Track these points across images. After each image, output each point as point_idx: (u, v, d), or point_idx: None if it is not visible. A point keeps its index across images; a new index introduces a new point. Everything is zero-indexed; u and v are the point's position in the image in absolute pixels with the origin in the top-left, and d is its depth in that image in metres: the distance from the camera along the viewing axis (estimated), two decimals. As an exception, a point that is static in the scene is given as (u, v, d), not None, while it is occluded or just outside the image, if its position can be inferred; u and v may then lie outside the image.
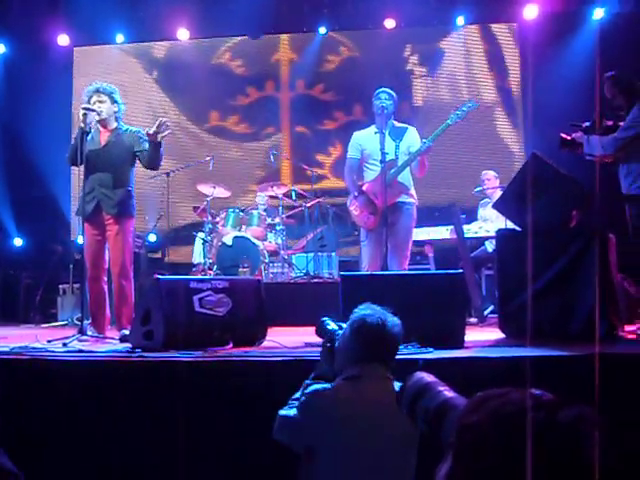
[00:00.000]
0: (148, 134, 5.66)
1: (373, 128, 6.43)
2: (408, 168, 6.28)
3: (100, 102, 5.84)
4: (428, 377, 2.04)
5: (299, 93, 11.41)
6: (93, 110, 5.78)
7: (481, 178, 8.35)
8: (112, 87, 5.99)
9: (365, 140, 6.45)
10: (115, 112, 5.91)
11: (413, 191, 6.39)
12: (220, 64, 11.43)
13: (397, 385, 2.85)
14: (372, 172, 6.34)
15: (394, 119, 6.45)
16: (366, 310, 2.93)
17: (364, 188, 6.34)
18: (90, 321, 5.85)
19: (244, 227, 8.54)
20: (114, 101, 5.91)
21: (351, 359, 2.87)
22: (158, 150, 5.73)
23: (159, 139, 5.65)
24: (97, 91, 5.85)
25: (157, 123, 5.61)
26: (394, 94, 6.42)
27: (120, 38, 10.69)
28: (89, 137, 5.83)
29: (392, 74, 10.47)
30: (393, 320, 2.90)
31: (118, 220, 5.79)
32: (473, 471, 1.17)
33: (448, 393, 1.90)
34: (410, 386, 2.03)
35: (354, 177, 6.51)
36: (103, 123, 5.90)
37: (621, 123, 5.50)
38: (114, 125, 5.93)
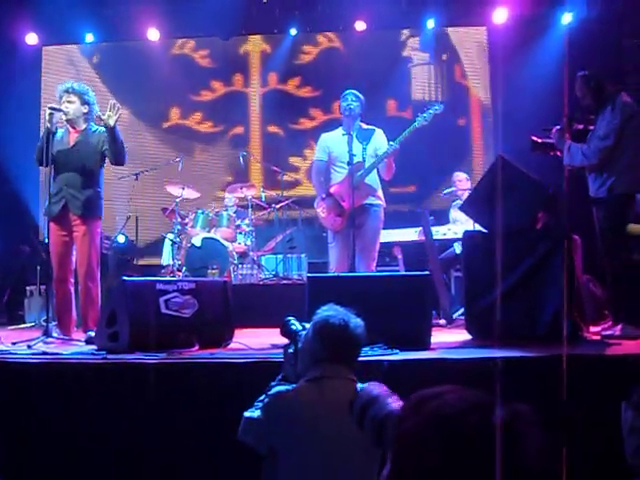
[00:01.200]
0: (100, 118, 5.64)
1: (341, 130, 6.45)
2: (375, 170, 6.29)
3: (69, 102, 5.79)
4: (379, 388, 2.08)
5: (271, 88, 10.79)
6: (59, 110, 5.74)
7: (452, 179, 8.38)
8: (84, 87, 5.93)
9: (332, 142, 6.46)
10: (85, 113, 5.84)
11: (380, 193, 6.41)
12: (182, 55, 10.88)
13: (360, 387, 2.85)
14: (339, 174, 6.35)
15: (361, 120, 6.46)
16: (329, 311, 2.93)
17: (331, 190, 6.34)
18: (56, 322, 5.79)
19: (213, 228, 8.51)
20: (84, 102, 5.83)
21: (314, 360, 2.87)
22: (114, 136, 5.65)
23: (112, 123, 5.58)
24: (67, 91, 5.81)
25: (109, 106, 5.59)
26: (361, 95, 6.43)
27: (90, 38, 10.56)
28: (58, 137, 5.79)
29: (384, 64, 10.19)
30: (356, 321, 2.91)
31: (85, 221, 5.74)
32: (412, 473, 1.18)
33: (396, 405, 1.93)
34: (361, 396, 2.08)
35: (322, 179, 6.52)
36: (72, 123, 5.86)
37: (591, 127, 5.55)
38: (83, 126, 5.87)
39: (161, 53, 10.69)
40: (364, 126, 6.46)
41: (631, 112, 5.39)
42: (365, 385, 2.17)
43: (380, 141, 6.36)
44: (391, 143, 6.16)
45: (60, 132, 5.86)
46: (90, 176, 5.79)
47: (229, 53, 10.88)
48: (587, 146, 5.44)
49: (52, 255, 5.80)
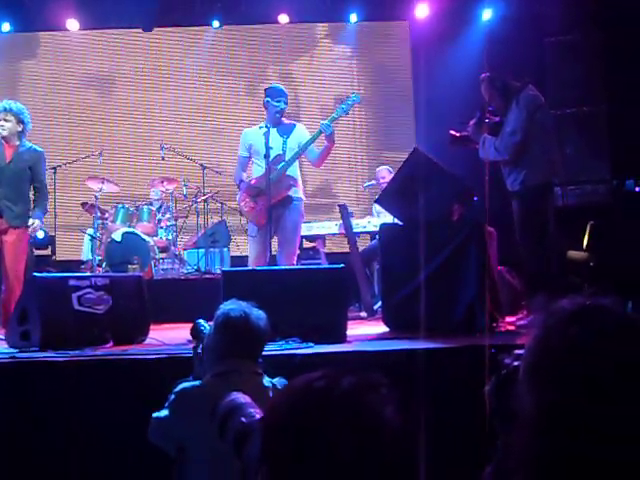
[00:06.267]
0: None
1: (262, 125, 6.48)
2: (297, 163, 6.31)
3: (6, 120, 6.05)
4: (243, 398, 2.08)
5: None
6: None
7: (376, 174, 8.43)
8: (20, 107, 6.20)
9: (253, 137, 6.46)
10: (19, 131, 6.12)
11: (301, 185, 6.44)
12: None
13: (267, 381, 2.85)
14: (261, 168, 6.35)
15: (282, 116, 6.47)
16: (230, 305, 2.92)
17: (253, 183, 6.34)
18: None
19: (134, 223, 8.39)
20: (20, 120, 6.12)
21: (218, 355, 2.85)
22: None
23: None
24: (5, 109, 6.07)
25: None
26: (286, 91, 6.50)
27: (6, 27, 10.25)
28: None
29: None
30: (258, 313, 2.89)
31: (18, 231, 6.06)
32: (278, 454, 1.20)
33: (258, 416, 1.93)
34: (223, 404, 2.07)
35: (243, 174, 6.51)
36: (6, 140, 6.10)
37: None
38: (17, 142, 6.14)
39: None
40: (285, 121, 6.48)
41: (536, 105, 5.49)
42: (229, 394, 2.16)
43: (302, 133, 6.41)
44: (322, 122, 6.19)
45: None
46: (23, 190, 6.15)
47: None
48: (499, 141, 5.52)
49: None
